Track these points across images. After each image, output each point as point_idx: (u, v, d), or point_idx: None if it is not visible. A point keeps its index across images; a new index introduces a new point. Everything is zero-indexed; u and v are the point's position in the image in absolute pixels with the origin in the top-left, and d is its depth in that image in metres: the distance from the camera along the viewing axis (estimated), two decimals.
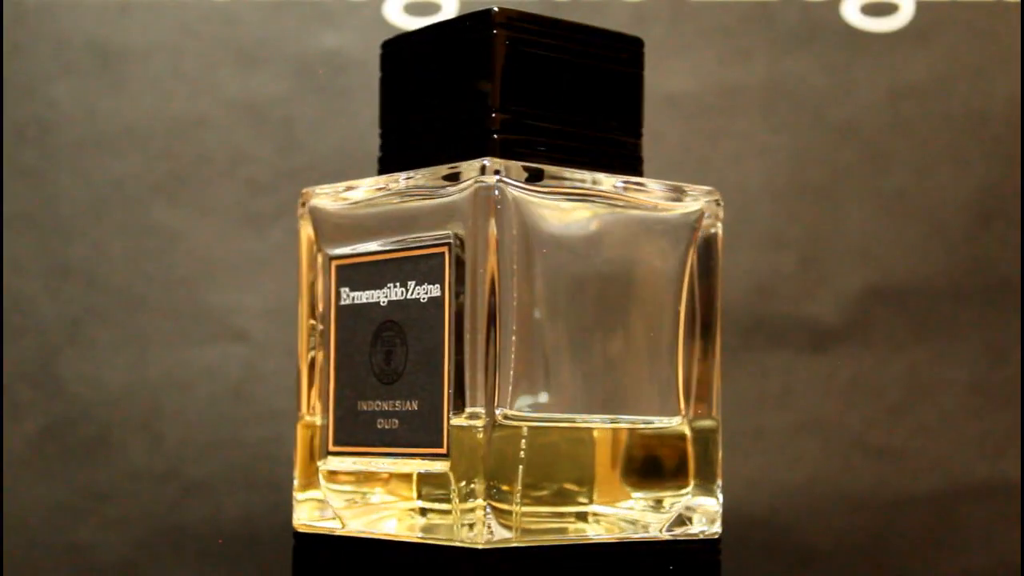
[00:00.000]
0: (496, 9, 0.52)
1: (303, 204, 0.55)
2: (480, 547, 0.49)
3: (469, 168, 0.50)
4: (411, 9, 0.77)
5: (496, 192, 0.49)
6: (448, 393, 0.50)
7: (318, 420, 0.54)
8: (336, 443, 0.54)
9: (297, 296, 0.55)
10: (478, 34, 0.52)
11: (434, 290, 0.50)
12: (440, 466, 0.50)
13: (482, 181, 0.49)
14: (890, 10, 0.76)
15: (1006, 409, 0.75)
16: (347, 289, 0.53)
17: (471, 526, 0.49)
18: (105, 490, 0.76)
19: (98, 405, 0.76)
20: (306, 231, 0.55)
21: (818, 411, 0.75)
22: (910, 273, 0.75)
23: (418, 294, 0.51)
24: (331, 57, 0.77)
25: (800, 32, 0.76)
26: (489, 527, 0.49)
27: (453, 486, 0.50)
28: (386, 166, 0.55)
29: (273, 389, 0.76)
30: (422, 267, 0.51)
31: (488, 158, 0.50)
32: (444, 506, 0.50)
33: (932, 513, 0.74)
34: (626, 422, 0.53)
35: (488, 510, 0.49)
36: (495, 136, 0.51)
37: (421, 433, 0.50)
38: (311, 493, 0.55)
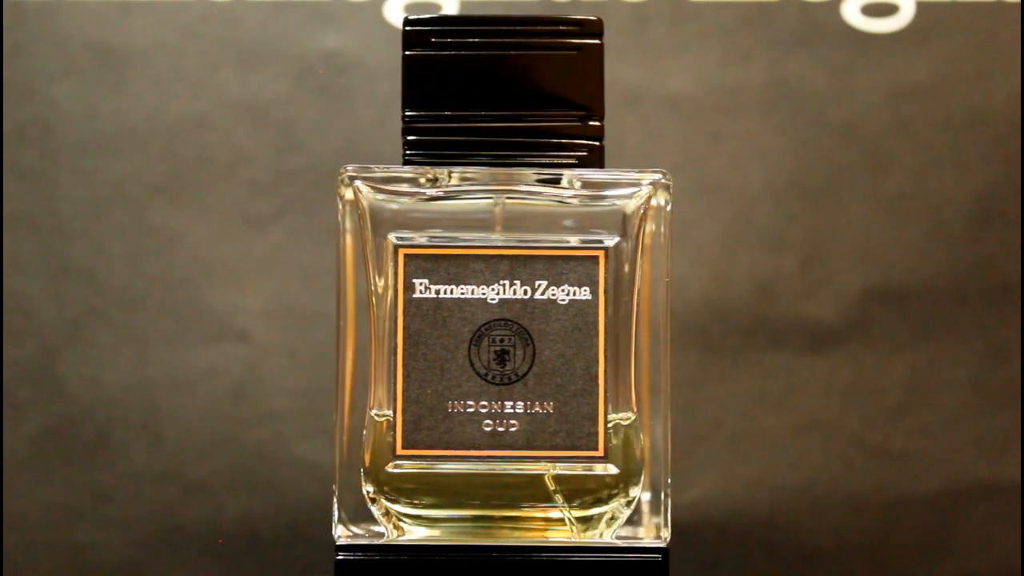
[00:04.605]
0: (597, 18, 0.53)
1: (347, 183, 0.52)
2: (666, 545, 0.51)
3: (630, 176, 0.51)
4: (411, 10, 0.77)
5: (664, 202, 0.51)
6: (605, 396, 0.51)
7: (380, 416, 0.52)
8: (409, 446, 0.52)
9: (340, 283, 0.53)
10: (589, 41, 0.53)
11: (581, 292, 0.51)
12: (598, 468, 0.51)
13: (648, 190, 0.51)
14: (890, 11, 0.76)
15: (1006, 409, 0.75)
16: (424, 281, 0.52)
17: (659, 527, 0.51)
18: (105, 490, 0.76)
19: (98, 405, 0.76)
20: (355, 213, 0.52)
21: (818, 412, 0.75)
22: (910, 274, 0.75)
23: (553, 295, 0.51)
24: (331, 57, 0.77)
25: (800, 33, 0.76)
26: (668, 526, 0.51)
27: (618, 487, 0.51)
28: (434, 156, 0.53)
29: (273, 390, 0.76)
30: (560, 267, 0.51)
31: (659, 169, 0.51)
32: (601, 508, 0.51)
33: (932, 514, 0.74)
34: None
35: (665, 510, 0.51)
36: (598, 143, 0.53)
37: (561, 436, 0.51)
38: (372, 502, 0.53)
